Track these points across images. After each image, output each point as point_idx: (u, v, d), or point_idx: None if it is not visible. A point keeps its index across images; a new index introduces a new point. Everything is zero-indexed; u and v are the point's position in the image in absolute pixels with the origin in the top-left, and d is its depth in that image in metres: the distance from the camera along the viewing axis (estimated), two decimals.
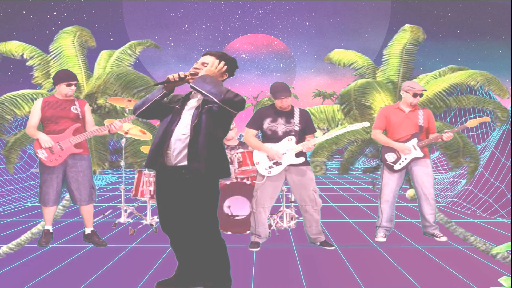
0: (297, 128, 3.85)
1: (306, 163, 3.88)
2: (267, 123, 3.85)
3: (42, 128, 3.92)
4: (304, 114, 3.92)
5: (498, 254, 3.49)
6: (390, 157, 4.15)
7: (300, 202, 3.89)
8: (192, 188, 2.49)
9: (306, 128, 3.91)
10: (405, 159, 4.11)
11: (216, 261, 2.55)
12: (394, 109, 4.25)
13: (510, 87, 8.01)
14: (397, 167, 4.12)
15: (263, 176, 3.84)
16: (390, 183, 4.16)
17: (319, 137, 4.03)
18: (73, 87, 3.91)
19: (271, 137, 3.84)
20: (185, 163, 2.46)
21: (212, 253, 2.55)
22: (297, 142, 3.83)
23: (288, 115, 3.87)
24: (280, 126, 3.84)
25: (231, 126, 4.74)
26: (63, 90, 3.89)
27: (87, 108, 4.04)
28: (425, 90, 4.30)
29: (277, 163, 3.82)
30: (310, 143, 3.79)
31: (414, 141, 4.11)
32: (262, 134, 3.93)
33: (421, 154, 4.10)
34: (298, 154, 3.83)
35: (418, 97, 4.13)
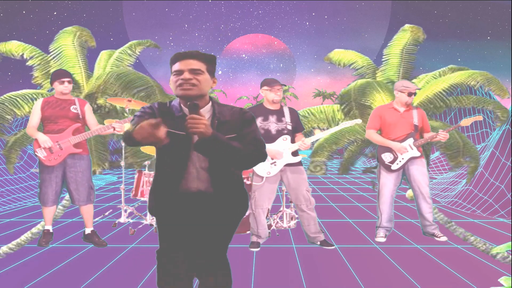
0: (289, 127, 3.85)
1: (300, 163, 3.89)
2: (259, 122, 3.81)
3: (42, 128, 3.91)
4: (293, 113, 3.95)
5: (498, 254, 3.49)
6: (387, 157, 4.14)
7: (296, 202, 3.89)
8: (216, 216, 2.01)
9: (297, 127, 3.93)
10: (402, 158, 4.11)
11: (221, 280, 2.13)
12: (388, 109, 4.24)
13: (510, 87, 8.01)
14: (394, 167, 4.12)
15: (261, 177, 3.83)
16: (387, 183, 4.15)
17: (315, 135, 4.02)
18: (66, 84, 3.88)
19: (265, 136, 3.78)
20: (210, 190, 1.96)
21: (220, 273, 2.12)
22: (290, 141, 3.84)
23: (278, 113, 3.86)
24: (272, 124, 3.83)
25: None
26: (58, 88, 3.90)
27: (88, 108, 4.03)
28: (419, 89, 4.32)
29: (275, 163, 3.81)
30: (307, 141, 3.80)
31: (410, 140, 4.11)
32: None
33: (418, 154, 4.11)
34: (294, 153, 3.84)
35: (413, 96, 4.14)
